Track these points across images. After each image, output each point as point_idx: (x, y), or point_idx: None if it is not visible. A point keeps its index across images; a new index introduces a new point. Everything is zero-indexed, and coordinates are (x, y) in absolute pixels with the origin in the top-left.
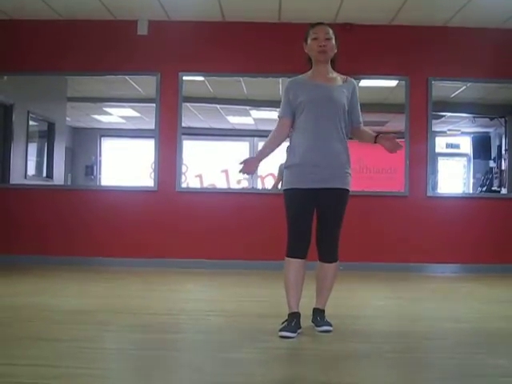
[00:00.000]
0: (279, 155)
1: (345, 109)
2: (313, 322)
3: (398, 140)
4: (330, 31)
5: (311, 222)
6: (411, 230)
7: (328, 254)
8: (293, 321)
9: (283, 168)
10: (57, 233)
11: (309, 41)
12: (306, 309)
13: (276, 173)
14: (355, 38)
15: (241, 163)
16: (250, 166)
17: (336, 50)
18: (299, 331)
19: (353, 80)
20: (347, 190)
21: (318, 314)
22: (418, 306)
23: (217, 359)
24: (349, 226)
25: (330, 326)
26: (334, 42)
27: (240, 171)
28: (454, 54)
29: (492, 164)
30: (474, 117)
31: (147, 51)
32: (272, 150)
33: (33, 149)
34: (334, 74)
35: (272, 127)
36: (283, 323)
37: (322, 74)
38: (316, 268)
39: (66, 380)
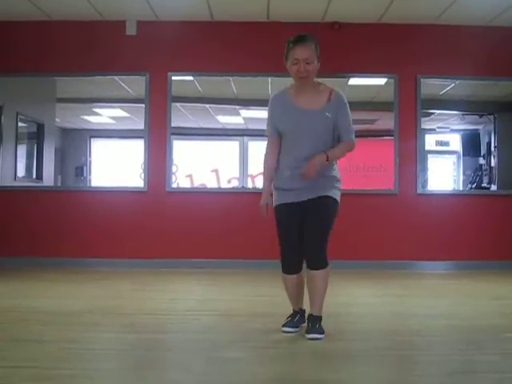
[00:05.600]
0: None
1: (328, 132)
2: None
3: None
4: (312, 51)
5: (301, 239)
6: (401, 228)
7: (313, 261)
8: (296, 316)
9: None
10: (46, 234)
11: (289, 63)
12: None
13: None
14: (344, 36)
15: (264, 212)
16: (266, 205)
17: (318, 66)
18: (303, 325)
19: (339, 95)
20: (332, 197)
21: (311, 320)
22: (409, 304)
23: (207, 359)
24: (339, 224)
25: (321, 333)
26: (316, 62)
27: (265, 215)
28: (443, 51)
29: (481, 161)
30: (463, 114)
31: (136, 51)
32: (272, 172)
33: (22, 150)
34: (319, 89)
35: (261, 126)
36: (288, 318)
37: (306, 92)
38: (306, 276)
39: (55, 381)
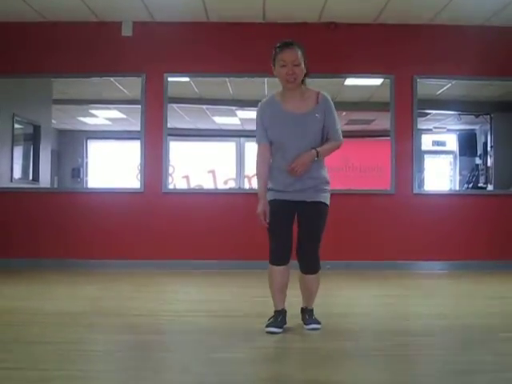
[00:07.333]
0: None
1: (318, 133)
2: (302, 320)
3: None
4: (299, 54)
5: (290, 230)
6: (398, 228)
7: (309, 267)
8: (279, 317)
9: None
10: (43, 236)
11: (276, 66)
12: (295, 308)
13: None
14: (340, 36)
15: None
16: (264, 212)
17: (305, 71)
18: (285, 327)
19: (326, 97)
20: (324, 203)
21: (307, 313)
22: (406, 304)
23: (204, 359)
24: (336, 224)
25: (318, 323)
26: (302, 65)
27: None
28: (439, 51)
29: (478, 161)
30: (459, 114)
31: (132, 52)
32: (266, 178)
33: (18, 152)
34: (306, 95)
35: None
36: (269, 319)
37: (293, 97)
38: (298, 276)
39: (55, 383)
